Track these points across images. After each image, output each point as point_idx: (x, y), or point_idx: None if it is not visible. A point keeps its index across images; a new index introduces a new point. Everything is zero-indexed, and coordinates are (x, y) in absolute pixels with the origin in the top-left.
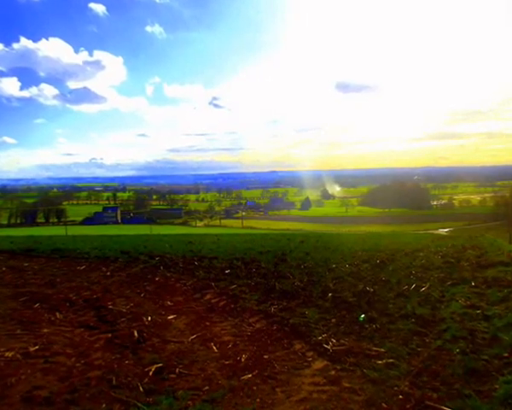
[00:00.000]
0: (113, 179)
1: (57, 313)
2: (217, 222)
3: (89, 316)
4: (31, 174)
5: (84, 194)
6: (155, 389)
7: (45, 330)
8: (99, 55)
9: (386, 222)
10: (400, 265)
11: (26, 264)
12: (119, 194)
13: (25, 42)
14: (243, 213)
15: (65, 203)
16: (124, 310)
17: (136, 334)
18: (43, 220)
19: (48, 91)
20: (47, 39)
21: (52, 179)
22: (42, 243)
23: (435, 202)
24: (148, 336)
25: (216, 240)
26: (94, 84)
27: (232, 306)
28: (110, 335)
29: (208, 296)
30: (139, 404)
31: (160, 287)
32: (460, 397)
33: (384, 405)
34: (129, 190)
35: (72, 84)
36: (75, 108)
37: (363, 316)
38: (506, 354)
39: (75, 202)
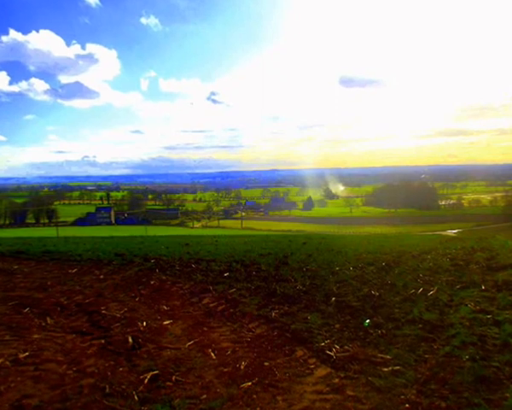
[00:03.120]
0: (106, 178)
1: (48, 318)
2: (215, 223)
3: (81, 321)
4: (21, 173)
5: (76, 193)
6: (151, 397)
7: (35, 336)
8: (92, 48)
9: (392, 223)
10: (407, 268)
11: (16, 267)
12: (112, 193)
13: (14, 34)
14: (243, 214)
15: (56, 203)
16: (118, 315)
17: (130, 340)
18: (33, 221)
19: (38, 86)
20: (37, 31)
21: (43, 178)
22: (32, 245)
23: (443, 202)
24: (143, 342)
25: (214, 242)
26: (86, 78)
27: (231, 310)
28: (103, 341)
29: (206, 301)
30: None
31: (155, 291)
32: (469, 406)
33: None
34: (123, 189)
35: (64, 79)
36: (66, 103)
37: (367, 321)
38: None
39: (67, 202)
